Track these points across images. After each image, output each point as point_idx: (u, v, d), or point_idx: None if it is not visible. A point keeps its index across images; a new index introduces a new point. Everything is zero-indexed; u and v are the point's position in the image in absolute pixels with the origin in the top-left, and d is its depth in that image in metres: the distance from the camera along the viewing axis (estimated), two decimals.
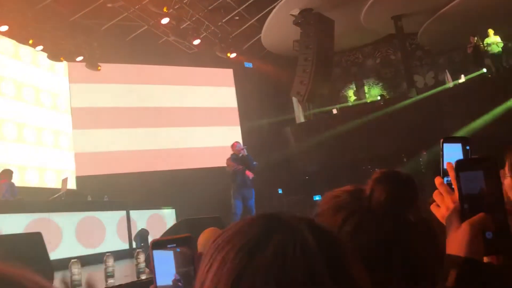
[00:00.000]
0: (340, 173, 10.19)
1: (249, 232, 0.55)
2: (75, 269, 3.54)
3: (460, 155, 1.00)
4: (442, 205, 0.90)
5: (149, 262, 0.88)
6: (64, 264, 3.48)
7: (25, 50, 9.13)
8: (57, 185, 8.72)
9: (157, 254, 0.87)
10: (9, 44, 8.92)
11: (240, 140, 11.45)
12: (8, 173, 7.32)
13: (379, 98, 11.00)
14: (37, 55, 9.30)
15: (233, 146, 8.13)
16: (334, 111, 11.35)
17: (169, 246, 0.87)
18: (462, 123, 8.36)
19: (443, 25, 9.69)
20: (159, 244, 0.87)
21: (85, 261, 5.37)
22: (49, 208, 6.83)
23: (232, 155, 8.00)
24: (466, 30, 9.81)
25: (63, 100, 9.92)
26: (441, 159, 0.99)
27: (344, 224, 0.83)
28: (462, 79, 9.75)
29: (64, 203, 7.33)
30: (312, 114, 12.00)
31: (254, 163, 8.02)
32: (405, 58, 10.61)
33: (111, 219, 7.48)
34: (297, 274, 0.50)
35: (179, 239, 0.87)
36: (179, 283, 0.86)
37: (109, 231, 7.33)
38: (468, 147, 1.03)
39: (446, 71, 10.07)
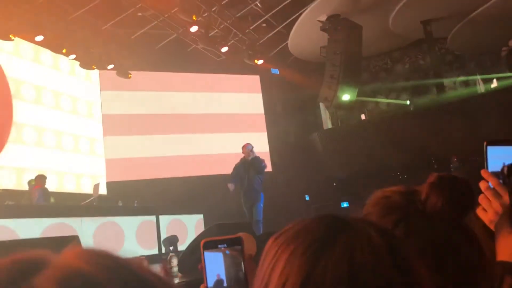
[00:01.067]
0: (369, 180, 10.07)
1: (315, 231, 0.55)
2: None
3: (504, 158, 0.98)
4: (490, 209, 0.88)
5: (200, 262, 0.89)
6: None
7: (62, 59, 9.47)
8: (91, 190, 8.96)
9: (208, 254, 0.88)
10: (48, 54, 9.26)
11: (267, 147, 11.51)
12: (41, 178, 7.53)
13: (408, 103, 10.85)
14: (73, 64, 9.61)
15: (244, 147, 7.78)
16: (363, 117, 11.25)
17: (219, 246, 0.88)
18: (494, 128, 8.16)
19: (474, 29, 9.51)
20: (210, 244, 0.88)
21: None
22: (69, 213, 6.95)
23: (241, 159, 7.73)
24: (499, 33, 9.60)
25: (94, 107, 10.19)
26: (485, 163, 0.97)
27: (395, 227, 0.80)
28: (495, 83, 9.53)
29: (96, 208, 7.48)
30: (339, 120, 11.93)
31: (263, 164, 7.73)
32: (435, 63, 10.45)
33: (132, 225, 7.50)
34: (367, 274, 0.50)
35: (230, 240, 0.88)
36: (223, 285, 0.88)
37: (128, 236, 7.36)
38: None
39: (478, 76, 9.87)
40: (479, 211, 0.89)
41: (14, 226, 5.72)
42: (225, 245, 0.88)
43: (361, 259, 0.51)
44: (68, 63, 9.66)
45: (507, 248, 0.80)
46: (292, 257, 0.54)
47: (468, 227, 0.82)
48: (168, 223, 8.17)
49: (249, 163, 7.58)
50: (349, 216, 0.58)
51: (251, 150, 7.63)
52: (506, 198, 0.85)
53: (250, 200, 7.53)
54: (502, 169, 0.88)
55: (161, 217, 8.12)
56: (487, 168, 0.99)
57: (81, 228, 6.42)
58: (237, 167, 7.68)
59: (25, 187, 7.75)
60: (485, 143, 1.03)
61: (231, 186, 7.52)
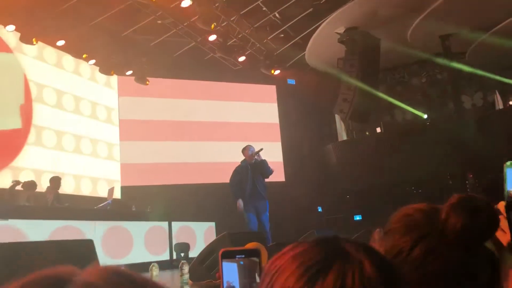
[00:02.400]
0: (382, 193, 10.01)
1: (310, 258, 0.56)
2: None
3: None
4: (508, 231, 0.87)
5: (217, 271, 0.92)
6: None
7: (84, 65, 9.70)
8: (94, 193, 9.13)
9: (226, 264, 0.90)
10: (71, 60, 9.48)
11: (281, 156, 11.52)
12: (55, 181, 7.62)
13: (425, 117, 10.77)
14: (79, 65, 9.77)
15: (245, 150, 7.09)
16: (378, 130, 11.20)
17: (237, 257, 0.90)
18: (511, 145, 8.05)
19: (494, 44, 9.43)
20: (228, 254, 0.91)
21: (133, 269, 5.49)
22: (96, 216, 7.05)
23: (242, 162, 7.09)
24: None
25: (113, 112, 10.35)
26: (504, 183, 0.96)
27: (415, 245, 0.80)
28: None
29: (110, 212, 7.55)
30: (355, 132, 11.89)
31: (270, 169, 7.04)
32: (453, 78, 10.37)
33: (141, 230, 7.54)
34: None
35: (248, 251, 0.90)
36: None
37: (137, 241, 7.36)
38: None
39: (496, 91, 9.77)
40: (498, 233, 0.88)
41: (25, 227, 5.79)
42: (243, 256, 0.90)
43: (351, 286, 0.52)
44: (88, 69, 9.87)
45: None
46: (287, 282, 0.55)
47: (489, 251, 0.82)
48: (179, 229, 8.19)
49: (253, 166, 6.94)
50: (348, 241, 0.59)
51: (256, 153, 6.95)
52: None
53: (256, 208, 6.85)
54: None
55: (173, 223, 8.15)
56: (505, 187, 0.99)
57: (90, 232, 6.47)
58: (238, 171, 7.01)
59: (43, 189, 7.87)
60: (504, 164, 1.03)
61: (240, 204, 6.83)
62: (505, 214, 0.89)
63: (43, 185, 7.87)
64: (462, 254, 0.79)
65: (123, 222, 7.27)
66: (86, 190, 9.34)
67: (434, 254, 0.79)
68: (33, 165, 8.42)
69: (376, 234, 0.88)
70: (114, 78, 10.33)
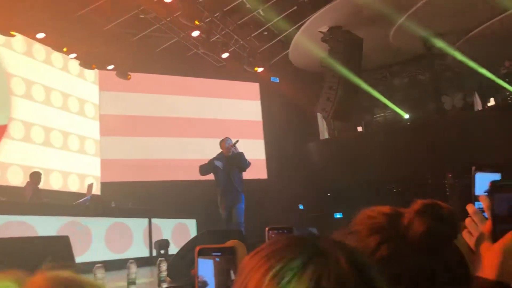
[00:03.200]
0: (363, 192, 10.11)
1: (286, 256, 0.55)
2: (99, 274, 3.61)
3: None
4: (475, 233, 0.88)
5: (193, 267, 0.91)
6: (91, 267, 3.59)
7: (56, 56, 9.43)
8: (81, 189, 8.95)
9: (201, 261, 0.90)
10: (42, 49, 9.22)
11: (264, 154, 11.53)
12: (35, 176, 7.50)
13: (407, 116, 10.89)
14: (67, 61, 9.59)
15: (222, 142, 6.89)
16: (359, 129, 11.29)
17: (213, 254, 0.90)
18: (490, 146, 8.20)
19: (474, 47, 9.58)
20: (205, 251, 0.90)
21: (111, 266, 5.46)
22: (81, 212, 6.96)
23: (218, 154, 6.85)
24: (498, 51, 9.68)
25: (91, 106, 10.18)
26: (472, 187, 0.98)
27: (378, 248, 0.81)
28: (492, 102, 9.60)
29: (96, 208, 7.45)
30: (336, 131, 11.97)
31: (248, 162, 6.83)
32: (434, 79, 10.52)
33: (138, 226, 7.55)
34: None
35: (224, 249, 0.90)
36: None
37: (136, 237, 7.38)
38: (500, 175, 1.01)
39: (475, 93, 9.94)
40: (465, 234, 0.90)
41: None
42: (219, 253, 0.90)
43: (327, 286, 0.52)
44: (77, 65, 9.70)
45: (485, 264, 0.80)
46: (263, 278, 0.54)
47: (449, 256, 0.83)
48: (158, 226, 8.15)
49: (229, 159, 6.72)
50: (325, 239, 0.59)
51: (232, 145, 6.75)
52: (489, 223, 0.86)
53: (230, 201, 6.68)
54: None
55: (167, 220, 8.13)
56: (474, 191, 1.01)
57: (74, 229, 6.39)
58: (212, 162, 6.79)
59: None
60: (473, 168, 1.05)
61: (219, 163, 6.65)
62: (474, 218, 0.89)
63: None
64: (423, 258, 0.80)
65: (124, 219, 7.28)
66: (73, 186, 9.22)
67: (395, 258, 0.80)
68: (21, 161, 8.30)
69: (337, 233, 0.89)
70: (91, 71, 10.15)
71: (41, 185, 7.61)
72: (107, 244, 6.93)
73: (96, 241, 6.80)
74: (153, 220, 8.04)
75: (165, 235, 7.91)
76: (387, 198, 10.35)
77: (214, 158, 6.81)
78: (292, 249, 0.57)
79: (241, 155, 6.80)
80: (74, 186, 9.29)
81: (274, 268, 0.55)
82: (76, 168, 9.45)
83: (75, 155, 9.48)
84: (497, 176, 1.01)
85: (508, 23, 9.08)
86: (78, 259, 4.76)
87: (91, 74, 10.01)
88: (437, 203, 0.86)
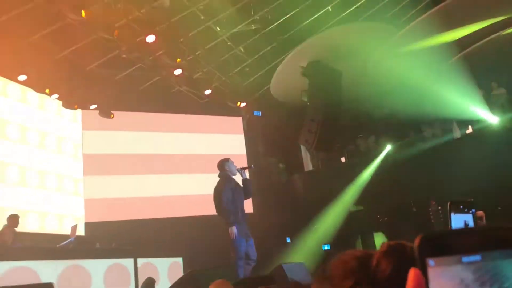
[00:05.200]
0: (349, 222, 10.14)
1: None
2: None
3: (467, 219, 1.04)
4: None
5: None
6: None
7: (32, 94, 9.31)
8: (60, 230, 8.80)
9: None
10: (17, 88, 9.10)
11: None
12: (13, 219, 7.32)
13: (388, 147, 11.04)
14: (44, 99, 9.50)
15: (228, 162, 6.00)
16: (343, 160, 11.40)
17: None
18: (469, 174, 8.36)
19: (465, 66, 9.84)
20: None
21: None
22: (58, 255, 6.83)
23: (226, 178, 5.89)
24: (474, 81, 9.96)
25: (73, 146, 10.09)
26: (449, 221, 1.03)
27: None
28: (470, 130, 9.83)
29: (73, 250, 7.32)
30: (320, 162, 12.06)
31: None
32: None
33: (125, 266, 7.39)
34: None
35: None
36: None
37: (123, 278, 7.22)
38: (473, 211, 1.07)
39: (454, 121, 10.16)
40: None
41: None
42: None
43: None
44: (54, 103, 9.59)
45: None
46: None
47: None
48: (143, 266, 7.98)
49: (239, 186, 5.97)
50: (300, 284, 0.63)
51: (244, 168, 6.01)
52: None
53: (246, 235, 5.81)
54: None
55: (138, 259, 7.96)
56: (450, 226, 1.05)
57: (43, 272, 6.24)
58: (231, 188, 5.82)
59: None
60: (448, 203, 1.09)
61: (234, 231, 5.61)
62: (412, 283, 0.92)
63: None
64: None
65: (84, 261, 7.05)
66: (51, 227, 9.01)
67: None
68: None
69: (315, 281, 0.93)
70: (78, 112, 10.15)
71: (27, 229, 7.48)
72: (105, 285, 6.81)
73: (81, 284, 6.67)
74: (139, 260, 7.91)
75: (152, 274, 7.77)
76: (374, 229, 10.38)
77: (228, 182, 5.87)
78: None
79: (250, 181, 6.14)
80: (52, 227, 9.08)
81: None
82: (54, 208, 9.25)
83: (52, 194, 9.29)
84: (469, 217, 1.06)
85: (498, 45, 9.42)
86: None
87: (69, 112, 9.89)
88: (402, 243, 0.90)
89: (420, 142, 10.55)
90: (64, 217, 9.35)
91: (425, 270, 0.45)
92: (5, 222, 7.31)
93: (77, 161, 10.03)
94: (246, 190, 5.98)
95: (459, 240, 0.45)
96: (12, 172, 8.61)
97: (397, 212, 10.09)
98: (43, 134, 9.40)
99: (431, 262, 0.45)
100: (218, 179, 6.01)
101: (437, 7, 9.20)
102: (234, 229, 5.61)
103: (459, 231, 0.47)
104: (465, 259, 0.44)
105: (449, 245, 0.45)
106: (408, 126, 11.34)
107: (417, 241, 0.46)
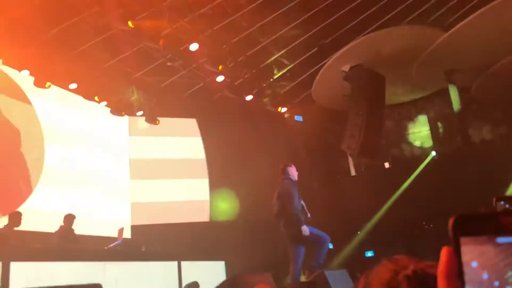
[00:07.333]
0: (394, 229, 9.92)
1: None
2: None
3: None
4: None
5: None
6: None
7: (80, 100, 9.70)
8: (114, 234, 9.06)
9: None
10: (66, 94, 9.51)
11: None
12: (68, 218, 7.63)
13: (434, 153, 10.74)
14: (92, 106, 9.91)
15: (290, 168, 6.03)
16: (386, 165, 11.19)
17: None
18: None
19: (498, 80, 9.51)
20: None
21: None
22: (106, 257, 7.08)
23: (286, 180, 5.89)
24: None
25: (122, 151, 10.49)
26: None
27: None
28: None
29: (120, 253, 7.57)
30: (363, 167, 11.88)
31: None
32: (459, 112, 10.40)
33: (168, 269, 7.56)
34: None
35: None
36: None
37: (166, 281, 7.37)
38: None
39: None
40: None
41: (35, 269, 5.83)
42: None
43: None
44: (102, 109, 10.01)
45: None
46: None
47: None
48: (188, 268, 8.15)
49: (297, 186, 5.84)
50: None
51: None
52: None
53: (303, 239, 5.75)
54: None
55: (192, 263, 8.13)
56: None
57: (104, 273, 6.49)
58: (296, 196, 5.84)
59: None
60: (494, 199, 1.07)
61: (306, 228, 5.67)
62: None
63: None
64: None
65: (131, 263, 7.27)
66: (98, 230, 9.34)
67: None
68: (45, 207, 8.52)
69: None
70: (125, 118, 10.51)
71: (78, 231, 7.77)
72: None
73: (127, 286, 6.87)
74: (183, 263, 8.07)
75: (195, 277, 7.91)
76: (420, 238, 10.10)
77: (292, 185, 5.91)
78: None
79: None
80: (99, 229, 9.38)
81: None
82: (101, 211, 9.58)
83: (100, 197, 9.64)
84: None
85: None
86: None
87: (117, 118, 10.23)
88: (426, 271, 0.88)
89: (469, 146, 10.21)
90: (111, 220, 9.67)
91: (459, 250, 0.45)
92: (61, 223, 7.63)
93: (124, 166, 10.38)
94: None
95: (494, 221, 0.45)
96: (61, 176, 9.03)
97: (442, 219, 9.77)
98: (92, 139, 9.81)
99: (464, 241, 0.45)
100: (278, 183, 6.09)
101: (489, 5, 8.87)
102: (305, 227, 5.65)
103: (494, 212, 0.47)
104: (500, 239, 0.44)
105: (483, 225, 0.45)
106: (455, 130, 10.99)
107: (451, 221, 0.45)
